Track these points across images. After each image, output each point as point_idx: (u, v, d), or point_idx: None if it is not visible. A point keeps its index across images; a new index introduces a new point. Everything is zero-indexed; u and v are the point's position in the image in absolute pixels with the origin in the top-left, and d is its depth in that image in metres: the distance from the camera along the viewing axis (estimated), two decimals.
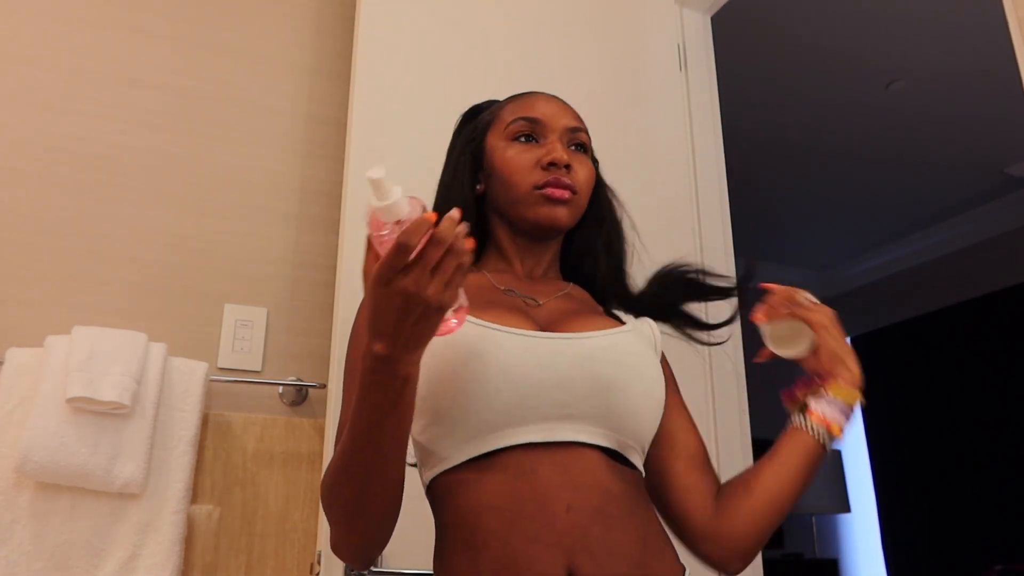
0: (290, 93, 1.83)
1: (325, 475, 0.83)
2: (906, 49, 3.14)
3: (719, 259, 1.91)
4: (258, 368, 1.63)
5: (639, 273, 1.11)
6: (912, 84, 3.34)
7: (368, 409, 0.73)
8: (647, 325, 1.02)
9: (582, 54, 1.88)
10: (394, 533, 1.38)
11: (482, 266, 1.02)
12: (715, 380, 1.79)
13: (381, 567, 1.34)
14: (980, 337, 4.25)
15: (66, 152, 1.62)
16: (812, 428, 0.91)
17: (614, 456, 0.85)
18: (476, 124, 1.07)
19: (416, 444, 0.88)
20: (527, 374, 0.82)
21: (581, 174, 1.00)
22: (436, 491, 0.86)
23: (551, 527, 0.76)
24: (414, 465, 0.92)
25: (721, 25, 2.23)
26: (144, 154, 1.68)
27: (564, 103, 1.05)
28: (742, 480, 0.93)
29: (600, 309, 1.02)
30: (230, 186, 1.72)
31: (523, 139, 1.00)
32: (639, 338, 0.95)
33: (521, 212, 0.98)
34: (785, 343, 0.96)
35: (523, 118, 1.00)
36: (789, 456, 0.91)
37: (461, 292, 0.72)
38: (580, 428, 0.83)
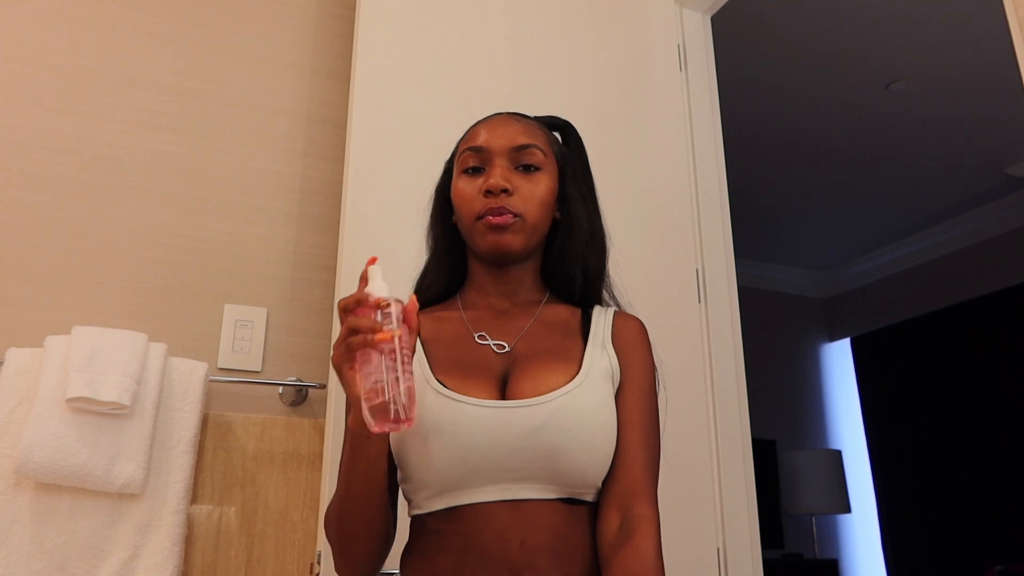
0: (290, 93, 1.83)
1: (328, 509, 0.97)
2: (906, 49, 3.14)
3: (719, 259, 1.91)
4: (258, 368, 1.63)
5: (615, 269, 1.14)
6: (912, 84, 3.34)
7: (346, 470, 0.91)
8: (606, 356, 1.01)
9: (582, 54, 1.88)
10: (395, 535, 1.37)
11: (462, 297, 1.08)
12: (715, 380, 1.79)
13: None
14: (980, 337, 4.25)
15: (66, 152, 1.62)
16: None
17: (569, 499, 0.93)
18: (452, 154, 1.13)
19: (400, 486, 1.00)
20: (481, 446, 0.91)
21: (527, 192, 1.02)
22: (413, 523, 0.99)
23: (505, 555, 0.88)
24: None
25: (721, 25, 2.23)
26: (144, 154, 1.68)
27: (516, 122, 1.06)
28: None
29: (571, 329, 1.04)
30: (230, 186, 1.72)
31: (470, 171, 1.04)
32: (591, 387, 0.96)
33: (474, 242, 1.03)
34: None
35: (469, 148, 1.05)
36: None
37: (402, 389, 0.81)
38: (533, 487, 0.91)
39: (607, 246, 1.11)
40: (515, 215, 1.00)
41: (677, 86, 2.00)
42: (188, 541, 1.46)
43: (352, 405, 0.86)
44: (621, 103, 1.89)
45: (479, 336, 1.02)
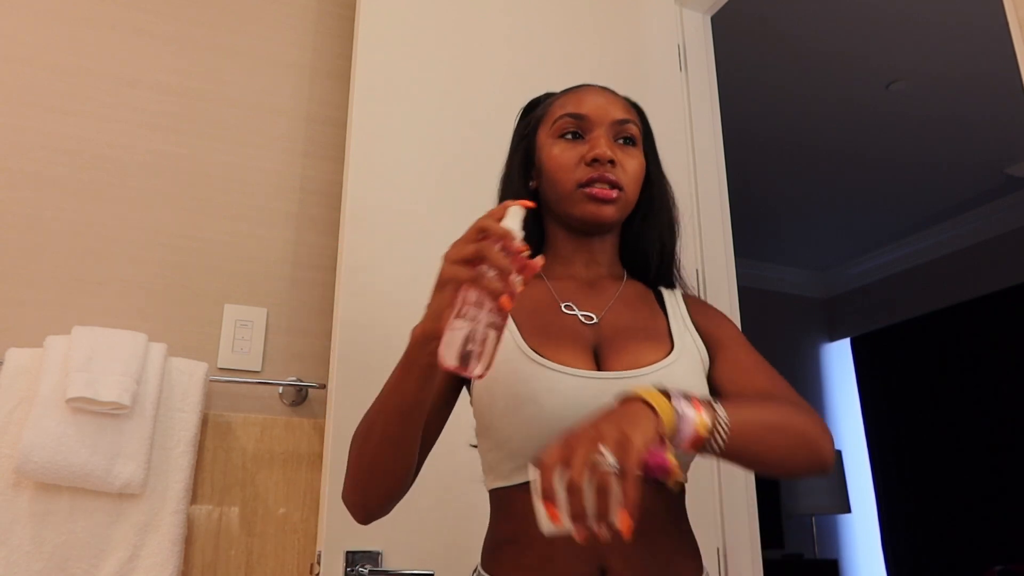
0: (290, 93, 1.83)
1: (357, 427, 0.92)
2: (906, 49, 3.14)
3: (719, 259, 1.91)
4: (258, 368, 1.63)
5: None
6: (912, 84, 3.34)
7: (394, 382, 0.85)
8: (689, 335, 1.02)
9: (582, 54, 1.88)
10: (395, 535, 1.37)
11: (545, 268, 1.05)
12: None
13: (381, 567, 1.34)
14: (980, 337, 4.25)
15: (66, 152, 1.62)
16: None
17: None
18: (529, 120, 1.10)
19: (482, 457, 0.97)
20: (577, 416, 0.87)
21: (628, 168, 1.01)
22: (496, 499, 0.95)
23: (593, 543, 0.81)
24: (475, 446, 1.01)
25: (721, 25, 2.23)
26: (144, 154, 1.68)
27: (614, 95, 1.06)
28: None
29: (652, 308, 1.04)
30: (230, 186, 1.72)
31: (569, 136, 1.02)
32: (686, 365, 0.97)
33: (568, 210, 1.01)
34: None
35: (569, 114, 1.03)
36: None
37: (485, 353, 0.76)
38: None
39: (679, 230, 1.10)
40: (619, 189, 1.00)
41: (677, 86, 2.00)
42: (188, 541, 1.46)
43: (432, 321, 0.78)
44: None
45: (566, 306, 1.00)
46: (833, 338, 5.20)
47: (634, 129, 1.04)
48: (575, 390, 0.90)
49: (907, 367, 4.62)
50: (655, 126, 2.03)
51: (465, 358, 0.75)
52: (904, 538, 4.46)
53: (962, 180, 4.09)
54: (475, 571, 0.95)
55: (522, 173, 1.06)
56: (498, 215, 0.79)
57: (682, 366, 0.96)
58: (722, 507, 1.70)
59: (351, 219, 1.53)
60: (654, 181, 1.08)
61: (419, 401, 0.84)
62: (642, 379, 0.91)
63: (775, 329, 5.03)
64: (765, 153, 3.87)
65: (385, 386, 0.88)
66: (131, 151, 1.67)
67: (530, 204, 0.80)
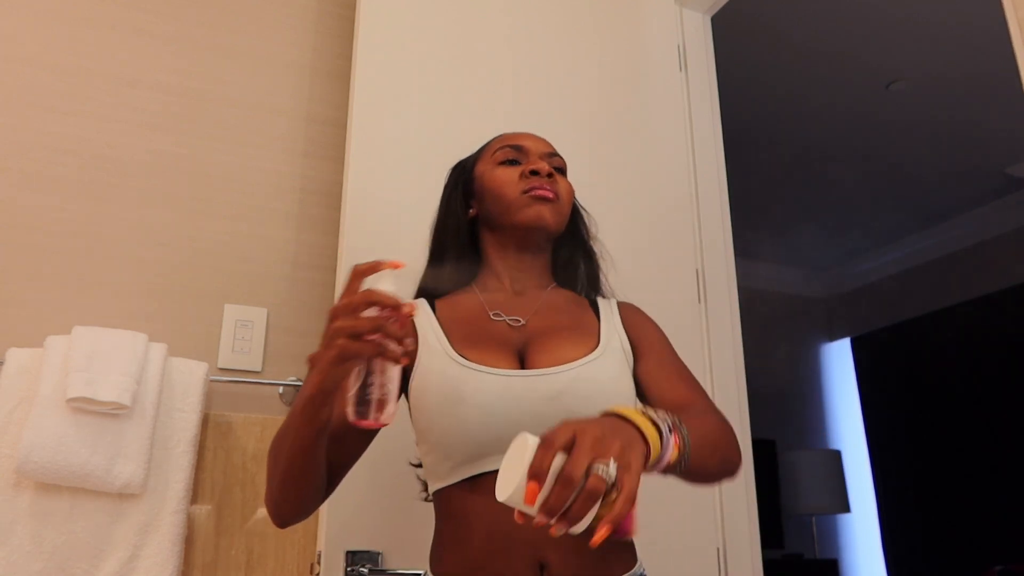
0: (290, 93, 1.83)
1: (273, 440, 0.95)
2: (906, 50, 3.14)
3: (719, 259, 1.92)
4: (258, 368, 1.63)
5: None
6: (912, 85, 3.34)
7: (294, 427, 0.89)
8: (617, 336, 1.09)
9: (582, 54, 1.88)
10: (395, 535, 1.37)
11: (477, 284, 1.15)
12: (715, 380, 1.79)
13: (381, 567, 1.34)
14: (980, 337, 4.25)
15: (66, 152, 1.62)
16: None
17: None
18: (464, 165, 1.22)
19: (423, 463, 1.05)
20: (503, 414, 0.96)
21: (562, 185, 1.14)
22: (438, 500, 1.02)
23: (527, 535, 0.88)
24: (417, 465, 1.11)
25: (721, 25, 2.23)
26: (144, 154, 1.68)
27: (544, 138, 1.20)
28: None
29: (583, 310, 1.14)
30: (230, 186, 1.72)
31: (509, 163, 1.15)
32: (610, 360, 1.04)
33: (512, 218, 1.10)
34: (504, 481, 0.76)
35: (508, 146, 1.16)
36: None
37: (390, 399, 0.82)
38: None
39: (599, 250, 1.23)
40: (556, 195, 1.11)
41: (677, 86, 2.00)
42: (188, 541, 1.46)
43: (329, 384, 0.82)
44: (621, 103, 1.89)
45: (494, 314, 1.09)
46: (833, 338, 5.20)
47: (562, 163, 1.18)
48: (501, 388, 0.97)
49: (907, 367, 4.62)
50: (655, 126, 2.04)
51: (375, 407, 0.80)
52: (904, 538, 4.46)
53: (962, 180, 4.09)
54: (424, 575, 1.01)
55: (462, 205, 1.18)
56: (368, 271, 0.82)
57: (605, 362, 1.03)
58: (722, 507, 1.70)
59: (351, 219, 1.53)
60: (576, 210, 1.22)
61: (317, 444, 0.89)
62: (562, 375, 0.99)
63: (775, 329, 5.02)
64: (765, 153, 3.87)
65: (288, 420, 0.91)
66: (131, 151, 1.67)
67: (400, 265, 0.83)
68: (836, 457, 4.43)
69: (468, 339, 1.04)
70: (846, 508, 4.35)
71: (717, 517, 1.69)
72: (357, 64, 1.63)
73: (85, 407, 1.35)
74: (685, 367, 1.10)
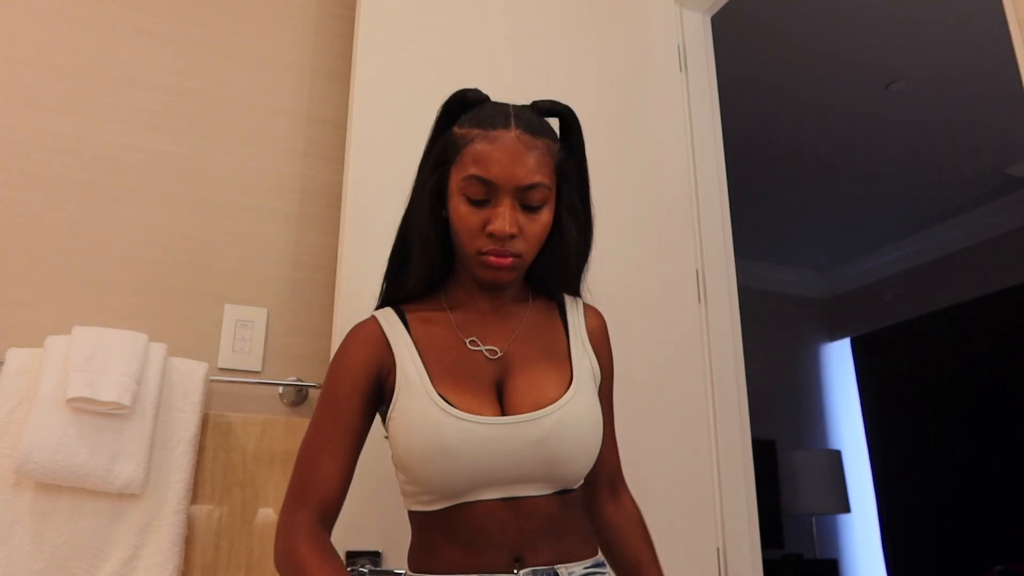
0: (290, 93, 1.83)
1: (276, 555, 0.98)
2: (906, 50, 3.14)
3: (719, 259, 1.92)
4: (258, 368, 1.63)
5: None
6: (912, 85, 3.34)
7: None
8: (587, 359, 1.12)
9: (582, 54, 1.88)
10: (395, 535, 1.37)
11: (447, 295, 1.12)
12: (715, 380, 1.79)
13: (381, 567, 1.34)
14: (980, 337, 4.25)
15: (66, 152, 1.62)
16: None
17: (560, 491, 1.03)
18: (448, 145, 1.08)
19: (400, 483, 1.05)
20: (486, 461, 0.98)
21: (528, 232, 1.04)
22: (417, 519, 1.04)
23: (505, 538, 0.98)
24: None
25: (721, 25, 2.23)
26: (144, 154, 1.68)
27: (527, 148, 1.03)
28: (625, 543, 1.15)
29: (552, 322, 1.14)
30: (230, 186, 1.72)
31: (476, 202, 1.03)
32: (584, 394, 1.06)
33: (469, 267, 1.07)
34: None
35: (476, 177, 1.02)
36: None
37: None
38: (532, 487, 1.01)
39: (590, 248, 1.15)
40: (516, 256, 1.04)
41: (677, 86, 2.00)
42: (188, 541, 1.46)
43: None
44: (621, 103, 1.89)
45: (471, 342, 1.07)
46: (833, 338, 5.20)
47: (542, 191, 1.04)
48: (484, 437, 0.98)
49: (907, 367, 4.62)
50: (655, 126, 2.04)
51: None
52: (904, 538, 4.46)
53: (962, 180, 4.09)
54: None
55: (432, 206, 1.08)
56: None
57: (580, 398, 1.05)
58: (722, 507, 1.70)
59: (351, 219, 1.53)
60: (562, 219, 1.09)
61: None
62: (544, 420, 1.00)
63: (775, 329, 5.03)
64: (765, 153, 3.87)
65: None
66: (131, 151, 1.67)
67: None
68: (836, 457, 4.43)
69: (448, 374, 1.03)
70: (846, 508, 4.35)
71: (717, 517, 1.69)
72: (357, 64, 1.63)
73: (85, 407, 1.35)
74: (612, 408, 1.20)
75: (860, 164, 3.97)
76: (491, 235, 1.02)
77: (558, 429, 1.00)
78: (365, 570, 1.32)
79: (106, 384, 1.36)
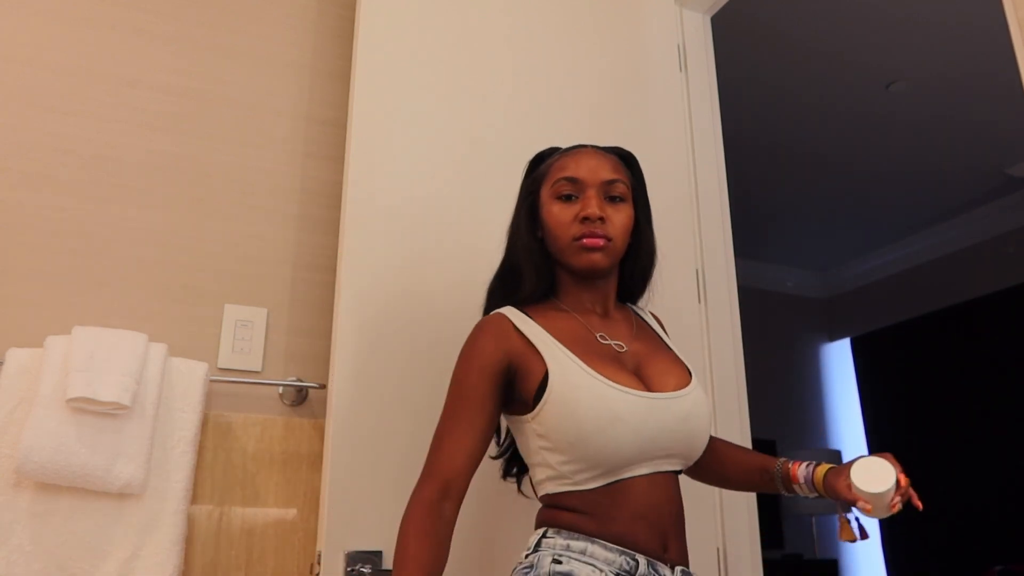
0: (290, 93, 1.83)
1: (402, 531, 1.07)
2: (906, 50, 3.14)
3: (719, 259, 1.91)
4: (258, 368, 1.63)
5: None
6: (912, 85, 3.34)
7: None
8: (689, 362, 1.24)
9: (582, 55, 1.88)
10: (394, 533, 1.37)
11: (563, 302, 1.21)
12: (715, 380, 1.79)
13: (381, 567, 1.34)
14: (980, 337, 4.25)
15: (66, 152, 1.62)
16: (783, 483, 1.20)
17: (677, 471, 1.14)
18: (535, 177, 1.26)
19: (546, 467, 1.10)
20: (651, 434, 1.07)
21: (616, 221, 1.18)
22: (565, 500, 1.08)
23: (658, 523, 1.07)
24: (505, 457, 1.25)
25: (721, 25, 2.23)
26: (144, 154, 1.68)
27: (604, 156, 1.22)
28: (728, 453, 1.29)
29: (659, 337, 1.27)
30: (230, 186, 1.72)
31: (565, 198, 1.19)
32: (701, 385, 1.19)
33: (567, 259, 1.18)
34: (871, 481, 1.08)
35: (564, 178, 1.19)
36: (758, 478, 1.24)
37: None
38: (672, 461, 1.11)
39: (655, 261, 1.30)
40: (607, 239, 1.16)
41: (677, 86, 2.00)
42: (188, 541, 1.46)
43: None
44: (621, 103, 1.89)
45: (600, 336, 1.17)
46: (833, 338, 5.20)
47: (622, 188, 1.20)
48: (647, 409, 1.07)
49: (907, 367, 4.62)
50: (655, 126, 2.04)
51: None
52: (904, 538, 4.46)
53: (962, 180, 4.09)
54: (545, 532, 1.07)
55: (529, 226, 1.23)
56: None
57: (700, 389, 1.17)
58: (722, 507, 1.70)
59: (351, 219, 1.53)
60: (642, 229, 1.25)
61: None
62: (686, 399, 1.12)
63: (775, 329, 5.03)
64: (765, 153, 3.87)
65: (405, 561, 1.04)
66: (131, 151, 1.67)
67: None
68: (836, 457, 4.44)
69: (593, 356, 1.11)
70: (846, 508, 4.35)
71: (717, 517, 1.69)
72: (357, 64, 1.63)
73: (85, 407, 1.35)
74: None
75: (860, 164, 3.97)
76: (584, 220, 1.15)
77: (696, 408, 1.12)
78: (365, 570, 1.32)
79: (106, 384, 1.36)
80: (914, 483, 4.44)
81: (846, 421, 4.98)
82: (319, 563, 1.33)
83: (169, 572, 1.36)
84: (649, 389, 1.11)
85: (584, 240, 1.15)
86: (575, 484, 1.07)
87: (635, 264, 1.26)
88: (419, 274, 1.54)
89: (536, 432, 1.09)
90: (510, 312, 1.17)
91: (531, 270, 1.20)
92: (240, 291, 1.66)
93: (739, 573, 1.67)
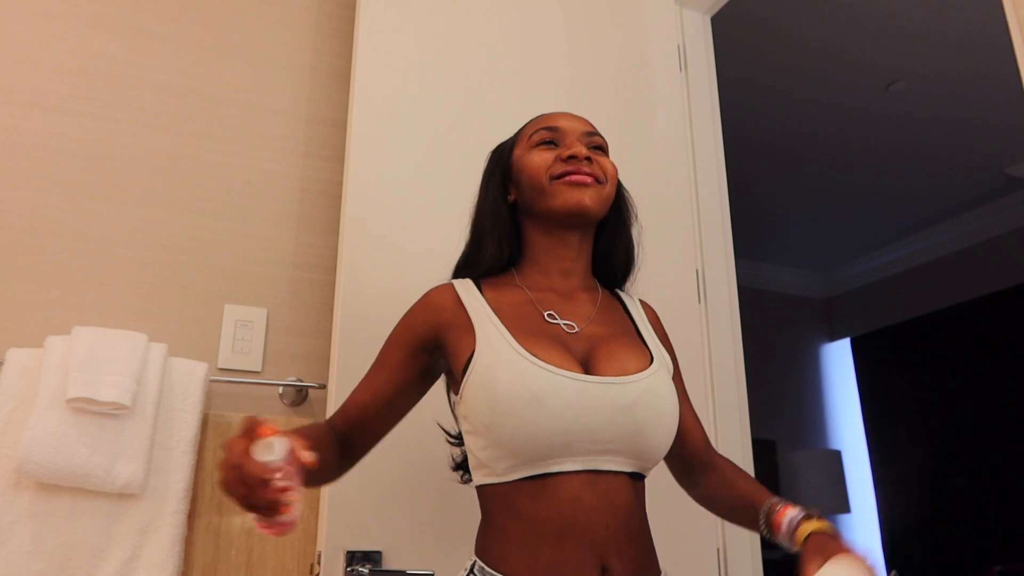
0: (290, 93, 1.83)
1: None
2: (906, 50, 3.14)
3: (719, 259, 1.91)
4: (258, 368, 1.63)
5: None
6: (912, 85, 3.34)
7: None
8: (659, 347, 1.12)
9: (582, 54, 1.88)
10: (395, 535, 1.37)
11: (521, 276, 1.11)
12: (715, 380, 1.79)
13: (381, 567, 1.34)
14: (980, 337, 4.25)
15: (66, 152, 1.62)
16: (766, 527, 1.09)
17: (634, 474, 1.00)
18: (502, 149, 1.19)
19: (470, 452, 1.02)
20: (576, 419, 0.95)
21: (604, 165, 1.10)
22: (490, 493, 0.99)
23: (593, 539, 0.93)
24: (452, 441, 1.15)
25: (721, 25, 2.23)
26: (144, 154, 1.68)
27: (582, 117, 1.15)
28: (729, 486, 1.17)
29: (619, 313, 1.15)
30: (230, 186, 1.72)
31: (544, 144, 1.11)
32: (664, 375, 1.06)
33: (548, 203, 1.07)
34: None
35: (544, 127, 1.12)
36: (748, 516, 1.12)
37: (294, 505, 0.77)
38: (615, 460, 0.97)
39: (639, 241, 1.20)
40: (596, 179, 1.07)
41: (677, 86, 2.00)
42: (188, 541, 1.46)
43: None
44: (621, 103, 1.89)
45: (548, 315, 1.06)
46: (833, 338, 5.20)
47: (602, 141, 1.13)
48: (575, 393, 0.95)
49: (907, 367, 4.62)
50: (655, 126, 2.04)
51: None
52: (904, 538, 4.46)
53: (962, 181, 4.09)
54: (472, 566, 0.96)
55: (501, 190, 1.14)
56: (252, 433, 0.76)
57: (662, 376, 1.04)
58: None
59: (351, 219, 1.53)
60: (621, 195, 1.17)
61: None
62: (632, 385, 0.99)
63: (775, 329, 5.02)
64: (765, 153, 3.87)
65: None
66: (131, 151, 1.67)
67: (271, 432, 0.77)
68: (836, 457, 4.43)
69: (529, 334, 1.00)
70: (846, 508, 4.35)
71: (717, 517, 1.69)
72: (357, 64, 1.63)
73: (85, 407, 1.35)
74: (686, 390, 1.20)
75: (860, 164, 3.97)
76: (569, 158, 1.07)
77: (645, 397, 0.99)
78: (365, 570, 1.32)
79: (106, 384, 1.36)
80: (914, 483, 4.44)
81: (846, 421, 4.98)
82: (319, 563, 1.33)
83: (169, 572, 1.36)
84: (588, 372, 0.99)
85: (571, 176, 1.06)
86: (496, 474, 0.97)
87: (615, 238, 1.16)
88: (419, 274, 1.54)
89: (461, 414, 1.02)
90: (459, 284, 1.10)
91: (494, 236, 1.11)
92: (240, 291, 1.66)
93: (739, 573, 1.67)
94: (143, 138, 1.69)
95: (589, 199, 1.06)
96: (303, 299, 1.70)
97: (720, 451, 1.73)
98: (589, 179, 1.06)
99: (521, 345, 0.98)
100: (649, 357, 1.06)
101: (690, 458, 1.17)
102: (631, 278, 1.20)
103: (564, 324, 1.05)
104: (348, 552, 1.33)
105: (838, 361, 5.13)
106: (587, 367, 1.00)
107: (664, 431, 1.01)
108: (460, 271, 1.16)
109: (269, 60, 1.84)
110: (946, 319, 4.45)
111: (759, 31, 3.02)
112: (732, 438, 1.76)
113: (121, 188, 1.64)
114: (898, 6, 2.91)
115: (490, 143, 1.69)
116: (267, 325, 1.66)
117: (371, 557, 1.34)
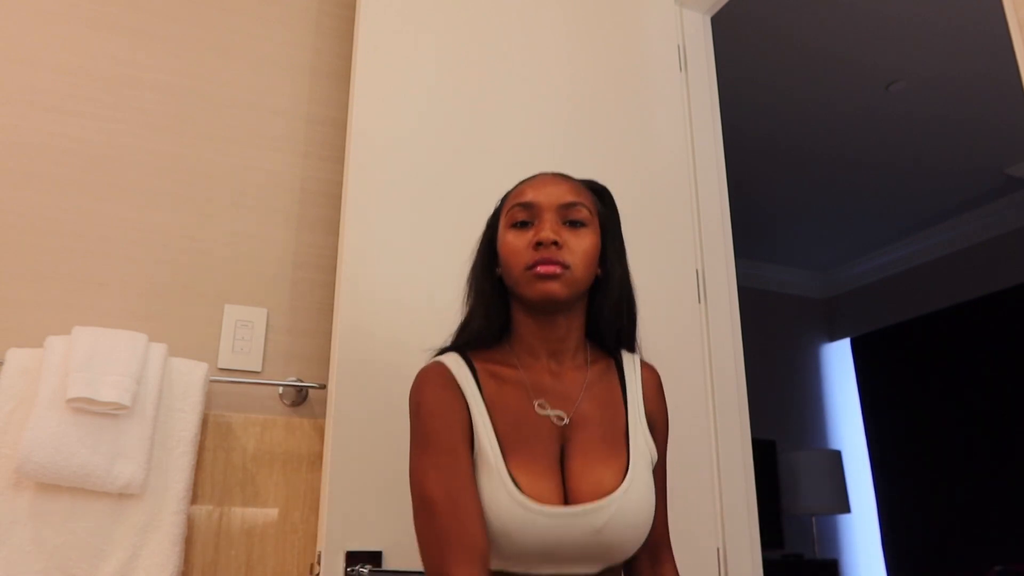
0: (290, 93, 1.83)
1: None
2: (906, 50, 3.14)
3: (719, 259, 1.91)
4: (258, 368, 1.63)
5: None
6: (912, 85, 3.34)
7: None
8: (642, 431, 1.10)
9: (582, 54, 1.88)
10: (395, 535, 1.38)
11: (513, 351, 1.11)
12: (715, 380, 1.79)
13: (381, 567, 1.34)
14: (980, 337, 4.25)
15: (66, 152, 1.62)
16: None
17: (605, 571, 1.03)
18: (496, 210, 1.17)
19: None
20: (547, 547, 0.98)
21: (575, 247, 1.07)
22: None
23: None
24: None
25: (721, 25, 2.23)
26: (144, 154, 1.68)
27: (562, 181, 1.11)
28: None
29: (612, 388, 1.13)
30: (230, 186, 1.72)
31: (520, 225, 1.09)
32: (640, 480, 1.05)
33: (522, 291, 1.07)
34: None
35: (518, 204, 1.10)
36: None
37: None
38: (583, 566, 1.01)
39: (636, 299, 1.17)
40: (563, 266, 1.04)
41: (677, 86, 2.00)
42: (188, 541, 1.46)
43: None
44: (621, 103, 1.89)
45: (539, 404, 1.06)
46: (833, 338, 5.20)
47: (584, 212, 1.09)
48: (546, 528, 0.98)
49: (907, 367, 4.62)
50: (655, 126, 2.04)
51: None
52: (904, 538, 4.46)
53: (962, 181, 4.09)
54: None
55: (486, 264, 1.14)
56: None
57: (637, 486, 1.04)
58: (722, 507, 1.70)
59: (351, 219, 1.53)
60: (608, 256, 1.13)
61: None
62: (603, 512, 1.00)
63: (775, 329, 5.03)
64: (765, 153, 3.87)
65: None
66: (131, 151, 1.67)
67: None
68: (836, 457, 4.43)
69: (520, 447, 1.02)
70: (846, 508, 4.35)
71: (717, 517, 1.69)
72: (357, 64, 1.63)
73: (85, 407, 1.35)
74: (665, 472, 1.15)
75: (860, 164, 3.97)
76: (537, 245, 1.05)
77: (615, 519, 1.00)
78: (365, 570, 1.32)
79: (106, 384, 1.36)
80: (914, 483, 4.44)
81: (846, 421, 4.98)
82: (319, 563, 1.33)
83: (169, 572, 1.36)
84: (565, 496, 1.01)
85: (538, 268, 1.04)
86: None
87: (605, 300, 1.12)
88: (419, 273, 1.54)
89: None
90: (453, 365, 1.08)
91: (481, 311, 1.11)
92: (240, 291, 1.66)
93: (739, 573, 1.67)
94: (143, 138, 1.69)
95: (558, 289, 1.04)
96: (303, 299, 1.70)
97: (720, 451, 1.75)
98: (556, 268, 1.04)
99: (510, 471, 1.00)
100: (626, 459, 1.05)
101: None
102: (634, 335, 1.17)
103: (554, 416, 1.06)
104: (348, 552, 1.33)
105: (838, 361, 5.13)
106: (565, 479, 1.02)
107: (633, 543, 1.03)
108: (455, 338, 1.15)
109: (269, 60, 1.84)
110: (946, 319, 4.45)
111: (759, 31, 3.02)
112: (732, 438, 1.76)
113: (121, 188, 1.64)
114: (898, 6, 2.91)
115: (490, 142, 1.69)
116: (267, 325, 1.66)
117: (371, 557, 1.34)
